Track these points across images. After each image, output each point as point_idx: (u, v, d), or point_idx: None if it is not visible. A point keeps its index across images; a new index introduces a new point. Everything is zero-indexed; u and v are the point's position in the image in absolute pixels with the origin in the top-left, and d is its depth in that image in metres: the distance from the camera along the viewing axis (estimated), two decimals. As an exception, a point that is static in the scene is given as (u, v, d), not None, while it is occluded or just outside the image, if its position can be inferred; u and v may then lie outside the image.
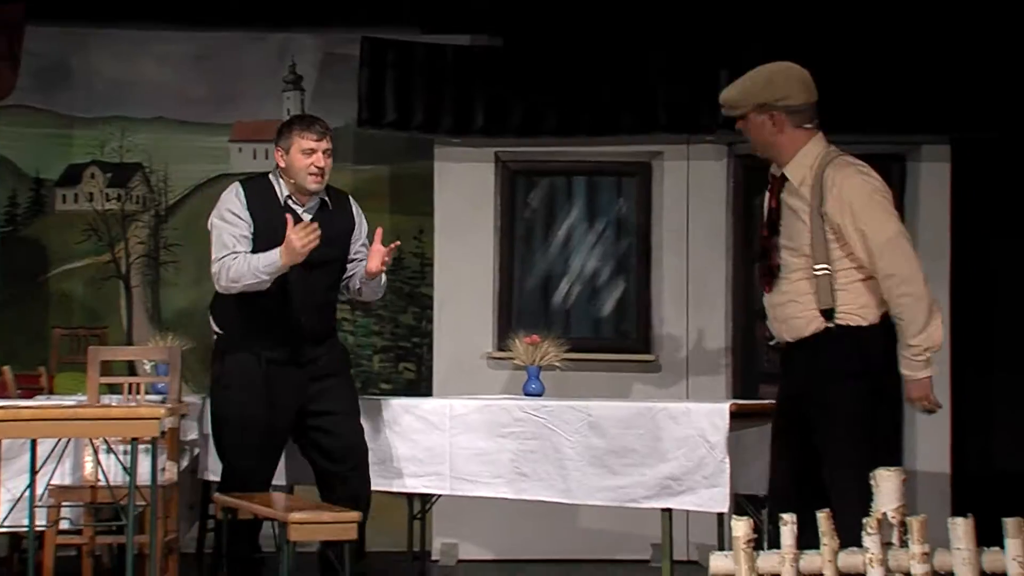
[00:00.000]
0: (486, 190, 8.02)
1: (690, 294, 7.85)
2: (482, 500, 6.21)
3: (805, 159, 4.64)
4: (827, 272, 4.57)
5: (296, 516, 5.28)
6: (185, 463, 6.26)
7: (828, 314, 4.59)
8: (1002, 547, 3.65)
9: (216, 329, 5.87)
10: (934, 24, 7.64)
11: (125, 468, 5.42)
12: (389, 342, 8.38)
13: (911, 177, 7.99)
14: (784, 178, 4.69)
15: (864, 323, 4.57)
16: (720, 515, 6.13)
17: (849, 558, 3.69)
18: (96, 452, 5.73)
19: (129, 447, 5.37)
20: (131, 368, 6.96)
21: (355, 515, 5.49)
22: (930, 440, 7.83)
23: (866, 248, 4.52)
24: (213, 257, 5.71)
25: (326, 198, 5.84)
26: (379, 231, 5.81)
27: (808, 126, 4.67)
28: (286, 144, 5.75)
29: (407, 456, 6.15)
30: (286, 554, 5.32)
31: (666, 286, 7.99)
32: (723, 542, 6.31)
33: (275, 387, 5.73)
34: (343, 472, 5.87)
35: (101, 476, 5.80)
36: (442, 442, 6.10)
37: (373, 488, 6.22)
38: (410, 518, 6.80)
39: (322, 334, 5.87)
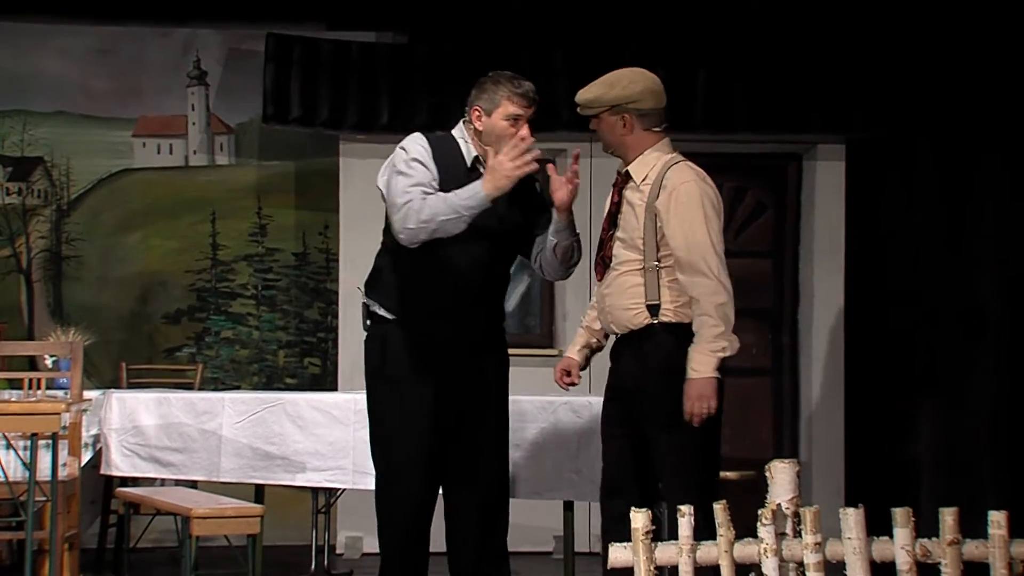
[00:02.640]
0: (391, 186, 8.03)
1: (592, 290, 7.92)
2: (386, 494, 6.23)
3: (649, 158, 4.81)
4: (655, 268, 4.72)
5: (198, 510, 5.29)
6: (87, 458, 6.22)
7: (653, 310, 4.72)
8: (891, 536, 3.77)
9: (381, 312, 4.86)
10: (829, 25, 7.80)
11: (25, 463, 5.39)
12: (294, 337, 8.38)
13: (807, 175, 8.16)
14: (628, 175, 4.85)
15: (686, 320, 4.69)
16: (621, 507, 6.22)
17: (744, 548, 3.77)
18: (-5, 448, 5.69)
19: (29, 442, 5.34)
20: (32, 363, 6.91)
21: (259, 509, 5.50)
22: (824, 432, 8.01)
23: (686, 247, 4.65)
24: (397, 203, 4.67)
25: None
26: (575, 155, 4.82)
27: (656, 129, 4.85)
28: (489, 105, 4.80)
29: (311, 450, 6.16)
30: (189, 549, 5.33)
31: (569, 281, 8.05)
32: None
33: (440, 379, 4.81)
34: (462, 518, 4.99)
35: (0, 472, 5.75)
36: (346, 436, 6.13)
37: (278, 483, 6.22)
38: (314, 512, 6.82)
39: (490, 325, 4.95)
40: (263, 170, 8.31)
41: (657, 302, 4.71)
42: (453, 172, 4.78)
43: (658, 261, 4.72)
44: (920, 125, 7.75)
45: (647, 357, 4.73)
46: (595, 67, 7.79)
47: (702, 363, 4.60)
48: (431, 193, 4.69)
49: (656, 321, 4.71)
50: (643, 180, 4.79)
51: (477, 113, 4.83)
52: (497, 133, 4.78)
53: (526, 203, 4.92)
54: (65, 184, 8.31)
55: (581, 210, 7.95)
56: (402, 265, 4.85)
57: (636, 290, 4.75)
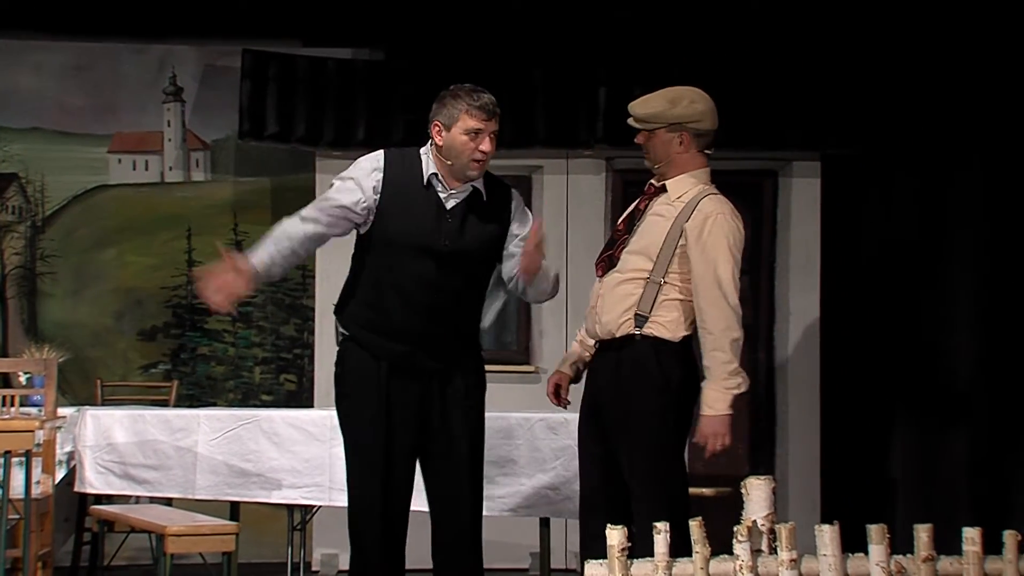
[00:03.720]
0: (367, 202, 8.03)
1: (569, 306, 7.94)
2: (362, 511, 6.22)
3: (688, 181, 4.79)
4: (660, 282, 4.69)
5: (173, 528, 5.27)
6: (61, 475, 6.19)
7: (640, 320, 4.70)
8: (866, 553, 3.78)
9: (341, 330, 4.92)
10: (804, 43, 7.83)
11: (-1, 481, 5.37)
12: (270, 353, 8.36)
13: (783, 192, 8.18)
14: (663, 189, 4.83)
15: (668, 337, 4.68)
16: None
17: (720, 565, 3.78)
18: (-31, 465, 5.65)
19: (2, 460, 5.32)
20: (5, 380, 6.88)
21: (234, 526, 5.49)
22: (800, 449, 8.02)
23: (711, 277, 4.63)
24: None
25: (480, 188, 4.83)
26: (535, 226, 4.78)
27: (708, 152, 4.85)
28: (448, 119, 4.71)
29: (287, 467, 6.15)
30: (164, 566, 5.31)
31: (546, 297, 8.07)
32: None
33: (393, 398, 4.81)
34: (439, 537, 4.99)
35: (-26, 490, 5.71)
36: (322, 453, 6.12)
37: (254, 500, 6.20)
38: (290, 529, 6.80)
39: (451, 346, 4.87)
40: (239, 186, 8.29)
41: (647, 314, 4.68)
42: (408, 188, 4.78)
43: (665, 277, 4.70)
44: (895, 141, 7.79)
45: (621, 366, 4.71)
46: (572, 85, 7.90)
47: (718, 400, 4.60)
48: (326, 217, 4.83)
49: (639, 332, 4.70)
50: (678, 197, 4.77)
51: (437, 128, 4.76)
52: (457, 148, 4.72)
53: (491, 223, 4.85)
54: (40, 200, 8.28)
55: (558, 228, 8.03)
56: (356, 284, 4.91)
57: (631, 299, 4.71)
